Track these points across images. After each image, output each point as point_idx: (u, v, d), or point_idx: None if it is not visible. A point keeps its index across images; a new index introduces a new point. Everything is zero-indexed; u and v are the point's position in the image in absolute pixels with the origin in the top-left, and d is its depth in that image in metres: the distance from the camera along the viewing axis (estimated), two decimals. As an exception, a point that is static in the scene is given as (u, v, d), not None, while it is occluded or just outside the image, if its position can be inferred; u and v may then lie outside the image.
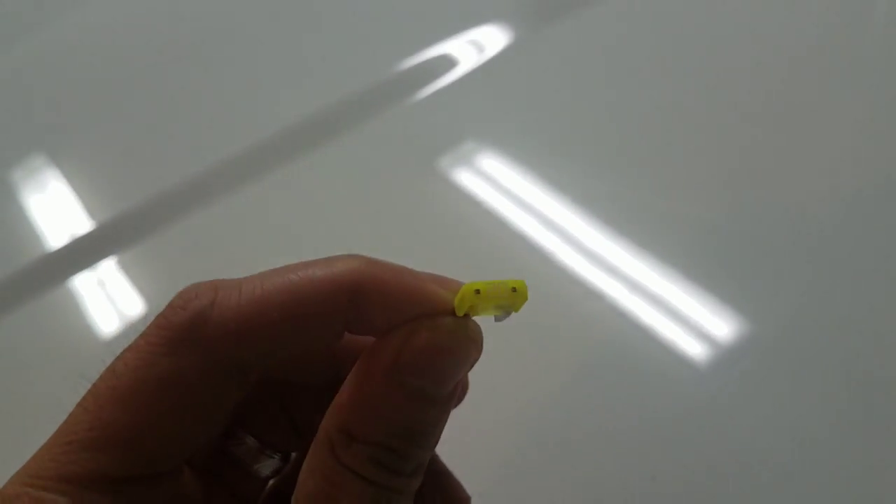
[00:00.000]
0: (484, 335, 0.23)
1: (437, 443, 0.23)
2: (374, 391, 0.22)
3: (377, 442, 0.22)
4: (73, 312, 0.47)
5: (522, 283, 0.22)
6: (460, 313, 0.23)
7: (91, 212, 0.53)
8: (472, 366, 0.23)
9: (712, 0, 0.62)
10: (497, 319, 0.24)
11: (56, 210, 0.53)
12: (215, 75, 0.61)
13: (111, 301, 0.47)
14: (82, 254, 0.50)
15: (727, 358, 0.41)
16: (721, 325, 0.42)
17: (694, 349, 0.41)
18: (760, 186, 0.48)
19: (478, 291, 0.22)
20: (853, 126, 0.51)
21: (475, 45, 0.60)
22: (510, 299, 0.22)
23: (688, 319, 0.42)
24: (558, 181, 0.50)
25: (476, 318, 0.23)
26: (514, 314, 0.24)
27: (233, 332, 0.22)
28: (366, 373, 0.22)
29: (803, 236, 0.45)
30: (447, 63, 0.59)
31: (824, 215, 0.46)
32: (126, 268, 0.49)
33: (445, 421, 0.23)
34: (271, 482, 0.28)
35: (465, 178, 0.51)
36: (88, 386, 0.23)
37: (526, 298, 0.23)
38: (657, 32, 0.59)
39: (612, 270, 0.44)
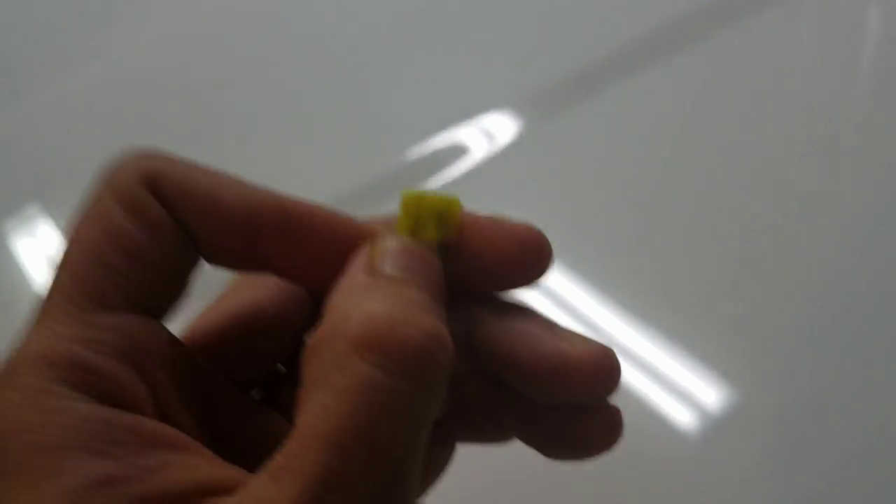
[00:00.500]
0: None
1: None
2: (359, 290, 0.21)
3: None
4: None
5: (455, 197, 0.24)
6: (404, 231, 0.23)
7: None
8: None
9: (723, 87, 0.63)
10: (439, 252, 0.24)
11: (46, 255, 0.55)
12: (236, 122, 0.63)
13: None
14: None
15: (717, 426, 0.41)
16: (711, 394, 0.42)
17: (684, 417, 0.41)
18: (758, 262, 0.49)
19: (418, 197, 0.23)
20: (848, 207, 0.52)
21: (485, 134, 0.62)
22: (447, 207, 0.23)
23: (678, 387, 0.42)
24: (574, 264, 0.51)
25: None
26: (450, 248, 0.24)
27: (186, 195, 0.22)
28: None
29: (801, 312, 0.46)
30: (457, 151, 0.61)
31: (818, 291, 0.47)
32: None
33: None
34: None
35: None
36: None
37: (460, 208, 0.24)
38: (668, 120, 0.61)
39: (596, 329, 0.45)
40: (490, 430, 0.26)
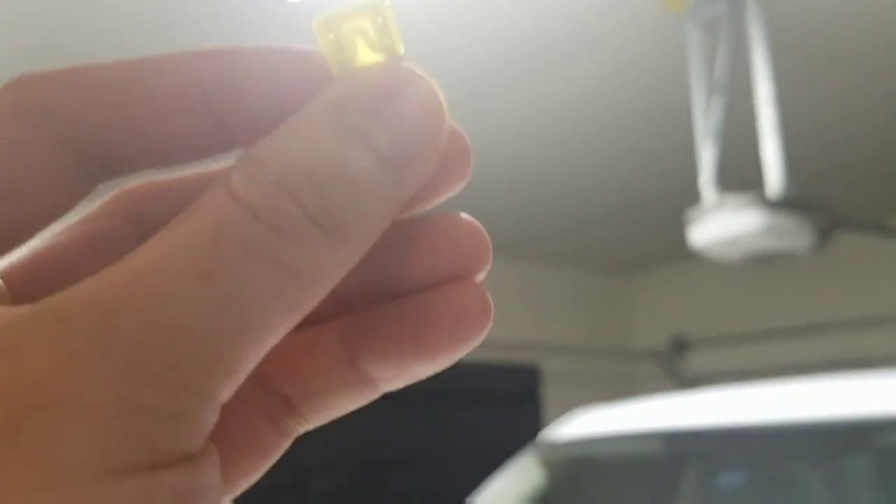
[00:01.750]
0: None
1: (377, 217, 0.18)
2: (305, 122, 0.17)
3: (291, 174, 0.17)
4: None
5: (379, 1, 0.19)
6: (328, 53, 0.19)
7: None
8: (439, 140, 0.19)
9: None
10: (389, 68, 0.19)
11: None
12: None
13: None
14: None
15: None
16: None
17: None
18: None
19: (329, 16, 0.19)
20: None
21: None
22: (374, 15, 0.19)
23: None
24: None
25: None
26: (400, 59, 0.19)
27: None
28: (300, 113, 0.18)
29: None
30: None
31: None
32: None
33: (395, 197, 0.18)
34: None
35: None
36: None
37: (389, 8, 0.19)
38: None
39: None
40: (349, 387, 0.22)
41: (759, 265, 1.88)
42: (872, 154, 2.65)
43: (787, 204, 1.71)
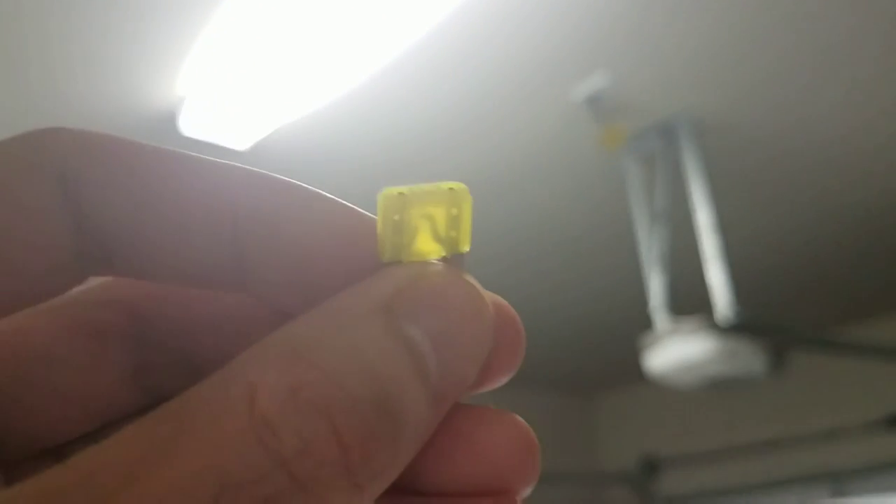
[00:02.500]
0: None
1: (408, 456, 0.15)
2: (352, 321, 0.15)
3: (340, 400, 0.14)
4: None
5: (461, 185, 0.16)
6: (388, 250, 0.16)
7: None
8: (484, 352, 0.16)
9: None
10: (449, 266, 0.16)
11: None
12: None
13: None
14: None
15: None
16: None
17: None
18: None
19: (401, 194, 0.16)
20: None
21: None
22: (451, 203, 0.16)
23: None
24: None
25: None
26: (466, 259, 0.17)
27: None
28: (334, 307, 0.15)
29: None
30: None
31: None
32: None
33: (430, 428, 0.15)
34: None
35: None
36: None
37: (469, 201, 0.17)
38: None
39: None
40: None
41: (718, 389, 1.87)
42: (817, 270, 2.69)
43: (737, 328, 1.71)
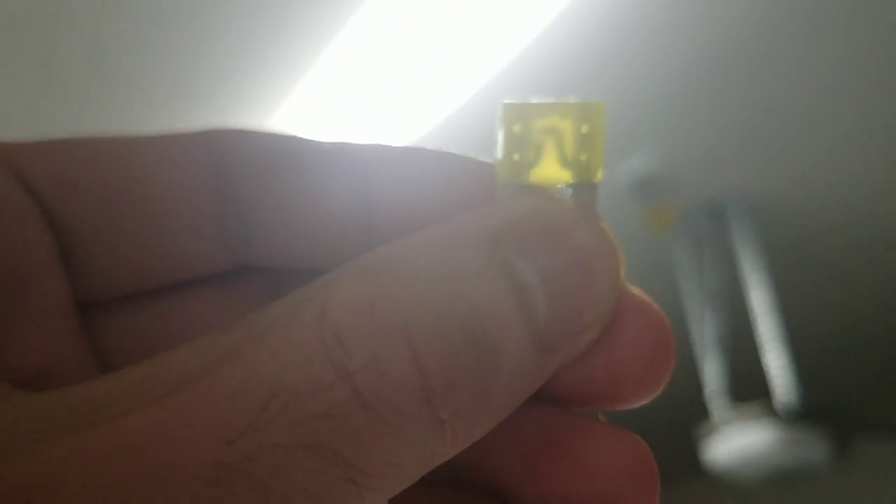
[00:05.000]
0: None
1: (503, 407, 0.13)
2: (451, 245, 0.13)
3: (422, 322, 0.12)
4: None
5: (597, 101, 0.14)
6: (506, 170, 0.14)
7: None
8: (613, 292, 0.14)
9: None
10: (574, 195, 0.15)
11: None
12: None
13: None
14: None
15: None
16: None
17: None
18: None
19: (524, 103, 0.14)
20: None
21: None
22: (583, 119, 0.14)
23: None
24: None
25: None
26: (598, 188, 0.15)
27: None
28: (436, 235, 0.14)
29: None
30: None
31: None
32: None
33: (535, 382, 0.14)
34: None
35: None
36: None
37: (602, 117, 0.14)
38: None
39: None
40: None
41: (779, 481, 1.80)
42: (882, 351, 2.61)
43: (800, 415, 1.65)
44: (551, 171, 0.15)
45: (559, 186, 0.15)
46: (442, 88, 1.35)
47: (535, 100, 0.15)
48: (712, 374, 1.80)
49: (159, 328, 0.17)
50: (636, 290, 0.15)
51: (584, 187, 0.15)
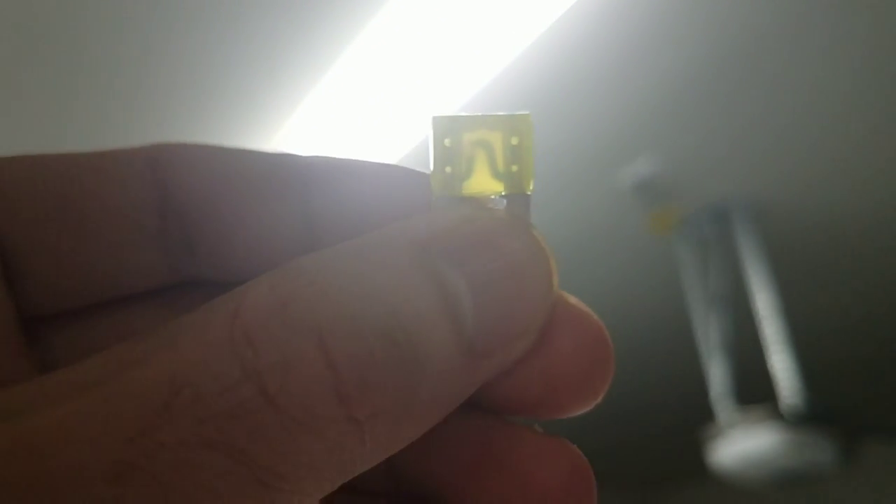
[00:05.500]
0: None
1: (427, 414, 0.13)
2: (377, 246, 0.13)
3: (337, 318, 0.12)
4: None
5: (524, 114, 0.15)
6: (439, 183, 0.14)
7: None
8: (546, 301, 0.14)
9: None
10: (499, 203, 0.15)
11: None
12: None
13: None
14: None
15: None
16: None
17: None
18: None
19: (454, 117, 0.14)
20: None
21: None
22: (513, 131, 0.14)
23: None
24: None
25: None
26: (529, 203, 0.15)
27: None
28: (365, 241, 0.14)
29: None
30: None
31: None
32: None
33: (461, 390, 0.14)
34: None
35: None
36: None
37: (531, 129, 0.15)
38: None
39: None
40: None
41: (784, 484, 1.79)
42: (888, 354, 2.60)
43: (805, 418, 1.64)
44: (483, 182, 0.15)
45: (492, 197, 0.15)
46: (444, 96, 1.36)
47: (464, 113, 0.15)
48: (717, 377, 1.80)
49: (103, 341, 0.17)
50: (574, 300, 0.15)
51: (517, 198, 0.15)
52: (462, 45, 1.25)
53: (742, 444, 1.66)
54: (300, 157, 0.17)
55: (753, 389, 1.80)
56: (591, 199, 1.72)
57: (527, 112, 0.15)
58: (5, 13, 1.09)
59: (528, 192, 0.15)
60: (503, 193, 0.15)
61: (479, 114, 0.15)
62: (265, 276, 0.13)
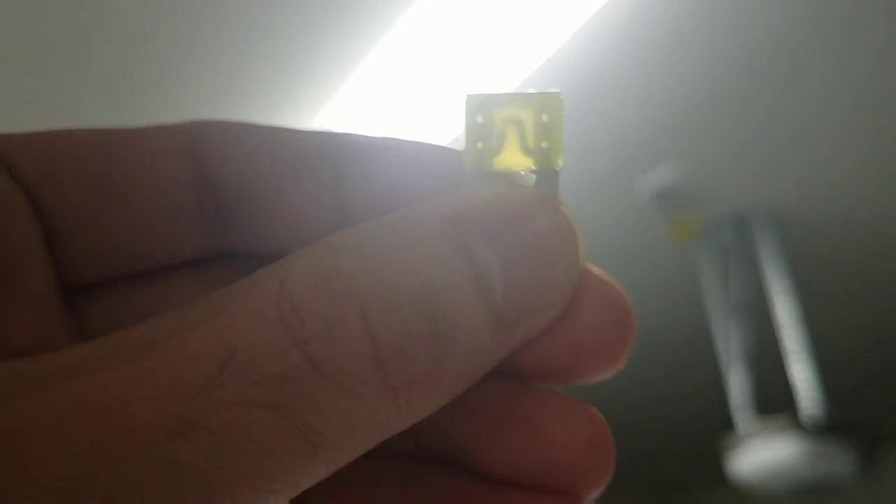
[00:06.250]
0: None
1: (460, 380, 0.14)
2: (411, 224, 0.14)
3: (375, 293, 0.13)
4: None
5: (555, 92, 0.15)
6: (470, 159, 0.15)
7: None
8: (573, 274, 0.15)
9: None
10: (534, 180, 0.16)
11: None
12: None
13: None
14: None
15: None
16: None
17: None
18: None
19: (486, 94, 0.15)
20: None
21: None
22: (543, 110, 0.15)
23: None
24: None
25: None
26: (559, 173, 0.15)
27: None
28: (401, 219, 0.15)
29: None
30: None
31: None
32: None
33: (492, 357, 0.15)
34: None
35: None
36: None
37: (561, 106, 0.15)
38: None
39: None
40: None
41: (804, 493, 1.78)
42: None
43: (825, 428, 1.64)
44: (514, 158, 0.15)
45: (522, 173, 0.16)
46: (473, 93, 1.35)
47: (496, 90, 0.15)
48: (738, 386, 1.79)
49: (141, 311, 0.18)
50: (598, 270, 0.16)
51: (546, 174, 0.15)
52: (485, 54, 1.26)
53: (762, 454, 1.65)
54: (334, 134, 0.17)
55: (773, 399, 1.80)
56: (613, 207, 1.72)
57: (557, 90, 0.15)
58: None
59: (558, 169, 0.15)
60: (533, 169, 0.16)
61: (511, 91, 0.15)
62: (308, 249, 0.14)
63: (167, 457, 0.12)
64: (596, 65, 1.32)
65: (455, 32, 1.21)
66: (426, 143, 0.17)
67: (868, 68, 1.37)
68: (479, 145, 0.15)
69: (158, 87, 1.31)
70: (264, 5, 1.16)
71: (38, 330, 0.16)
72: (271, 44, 1.24)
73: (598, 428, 0.16)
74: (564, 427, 0.16)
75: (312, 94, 1.35)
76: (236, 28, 1.20)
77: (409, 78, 1.32)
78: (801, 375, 1.70)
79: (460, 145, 0.16)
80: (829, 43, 1.31)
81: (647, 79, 1.37)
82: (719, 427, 1.86)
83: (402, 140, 0.17)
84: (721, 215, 1.77)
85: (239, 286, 0.14)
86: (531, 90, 0.15)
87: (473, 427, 0.16)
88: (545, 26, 1.22)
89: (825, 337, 1.89)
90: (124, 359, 0.13)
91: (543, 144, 0.15)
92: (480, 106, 0.15)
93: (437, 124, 1.42)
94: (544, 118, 0.15)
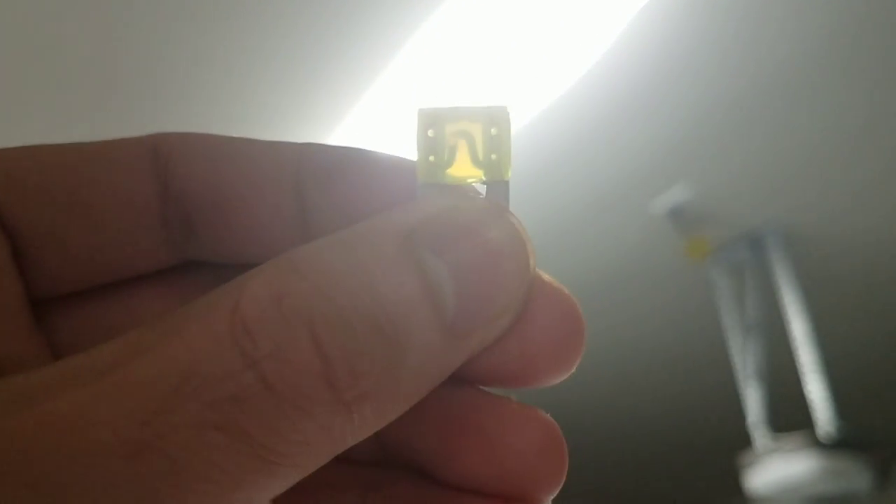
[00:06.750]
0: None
1: (412, 391, 0.14)
2: (363, 239, 0.14)
3: (326, 309, 0.13)
4: None
5: (502, 106, 0.16)
6: (424, 171, 0.16)
7: None
8: (523, 285, 0.15)
9: None
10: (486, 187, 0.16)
11: None
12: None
13: None
14: None
15: None
16: None
17: None
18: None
19: (436, 109, 0.16)
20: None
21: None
22: (490, 123, 0.16)
23: None
24: None
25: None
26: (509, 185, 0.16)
27: None
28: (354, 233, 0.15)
29: None
30: None
31: None
32: None
33: (445, 368, 0.15)
34: None
35: None
36: None
37: (508, 120, 0.16)
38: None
39: None
40: None
41: (822, 510, 1.78)
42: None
43: (841, 445, 1.64)
44: (465, 170, 0.16)
45: (473, 184, 0.16)
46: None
47: (447, 105, 0.16)
48: (753, 403, 1.79)
49: (110, 322, 0.18)
50: (549, 278, 0.16)
51: (497, 185, 0.16)
52: (504, 80, 1.27)
53: (778, 471, 1.65)
54: (297, 145, 0.18)
55: (789, 416, 1.80)
56: (628, 226, 1.73)
57: (505, 104, 0.16)
58: None
59: (507, 179, 0.16)
60: (484, 180, 0.16)
61: (461, 105, 0.16)
62: (261, 269, 0.14)
63: (125, 479, 0.12)
64: (615, 91, 1.34)
65: (474, 58, 1.23)
66: (389, 155, 0.17)
67: (880, 88, 1.38)
68: (431, 158, 0.16)
69: (174, 103, 1.32)
70: (281, 20, 1.17)
71: (8, 344, 0.16)
72: (288, 59, 1.25)
73: (550, 434, 0.16)
74: (517, 434, 0.16)
75: (329, 110, 1.36)
76: (253, 46, 1.21)
77: (425, 93, 1.32)
78: (816, 392, 1.70)
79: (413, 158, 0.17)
80: (841, 64, 1.32)
81: (663, 100, 1.38)
82: (736, 444, 1.86)
83: (366, 151, 0.17)
84: (735, 234, 1.77)
85: (196, 306, 0.14)
86: (481, 104, 0.16)
87: (431, 435, 0.17)
88: (568, 52, 1.24)
89: (839, 353, 1.89)
90: (84, 382, 0.13)
91: (493, 156, 0.16)
92: (432, 120, 0.16)
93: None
94: (493, 131, 0.16)
